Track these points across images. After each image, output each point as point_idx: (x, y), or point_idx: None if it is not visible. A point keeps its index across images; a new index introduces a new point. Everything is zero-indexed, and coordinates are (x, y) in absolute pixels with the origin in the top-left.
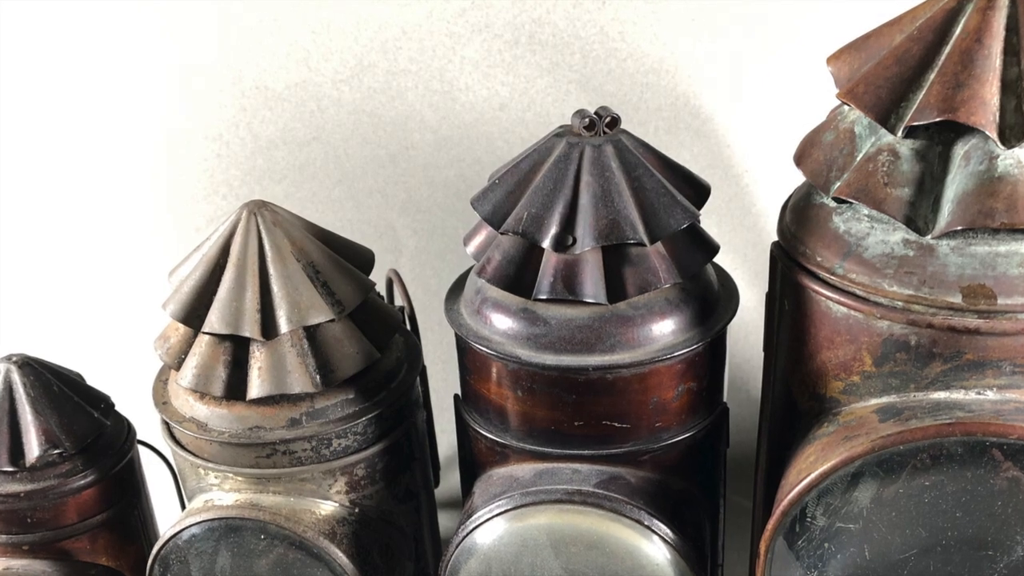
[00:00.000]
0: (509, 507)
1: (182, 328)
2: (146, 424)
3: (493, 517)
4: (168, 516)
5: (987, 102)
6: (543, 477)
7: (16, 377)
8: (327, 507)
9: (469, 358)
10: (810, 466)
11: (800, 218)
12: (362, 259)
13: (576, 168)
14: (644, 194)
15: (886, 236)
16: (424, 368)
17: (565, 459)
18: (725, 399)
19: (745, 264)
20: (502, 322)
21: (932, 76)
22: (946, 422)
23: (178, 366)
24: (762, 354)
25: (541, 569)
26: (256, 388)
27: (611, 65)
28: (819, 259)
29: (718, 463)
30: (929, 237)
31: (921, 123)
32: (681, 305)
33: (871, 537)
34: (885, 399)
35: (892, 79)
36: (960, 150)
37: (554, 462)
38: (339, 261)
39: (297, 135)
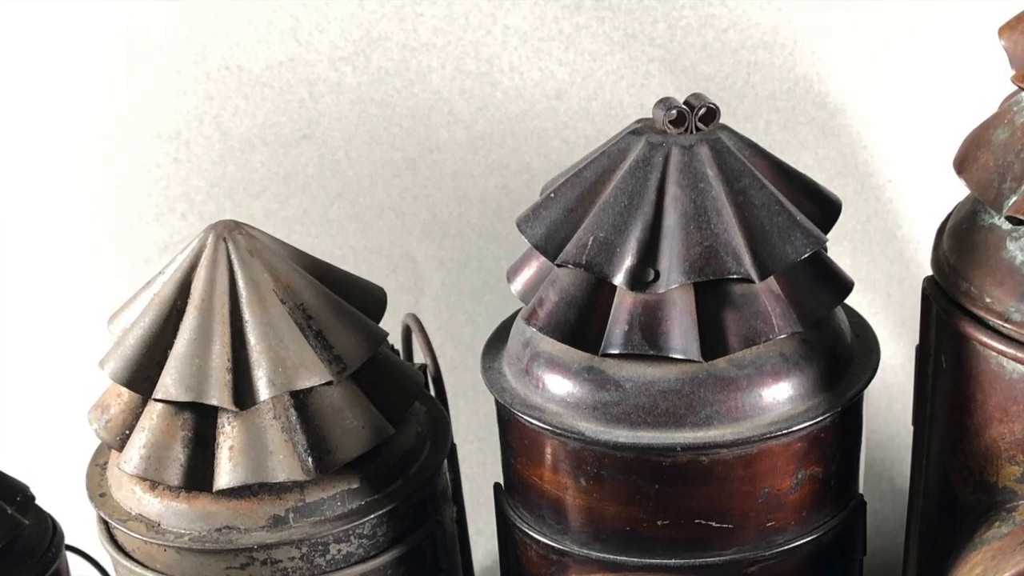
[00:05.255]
0: None
1: (126, 394)
2: (78, 523)
3: None
4: None
5: None
6: None
7: None
8: None
9: (515, 435)
10: None
11: (962, 245)
12: (370, 301)
13: (659, 177)
14: (752, 212)
15: None
16: (454, 448)
17: (644, 571)
18: (861, 490)
19: (888, 307)
20: (559, 386)
21: None
22: None
23: (121, 445)
24: (911, 429)
25: None
26: (227, 475)
27: (707, 38)
28: (988, 300)
29: None
30: None
31: None
32: (801, 363)
33: None
34: None
35: None
36: None
37: (630, 575)
38: (339, 304)
39: (282, 132)
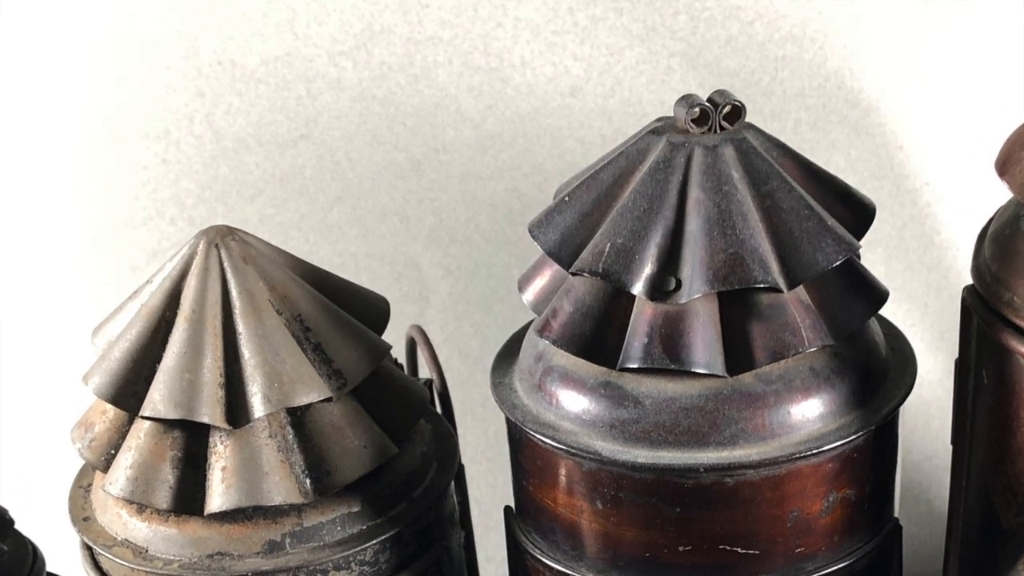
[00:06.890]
0: None
1: (112, 411)
2: (60, 549)
3: None
4: None
5: None
6: None
7: None
8: None
9: (527, 454)
10: None
11: (1005, 252)
12: (372, 311)
13: (681, 179)
14: (779, 217)
15: None
16: (461, 469)
17: None
18: (896, 514)
19: (925, 318)
20: (574, 402)
21: None
22: None
23: (106, 466)
24: (950, 448)
25: None
26: (219, 498)
27: (732, 31)
28: None
29: None
30: None
31: None
32: (833, 378)
33: None
34: None
35: None
36: None
37: None
38: (339, 315)
39: (278, 132)
